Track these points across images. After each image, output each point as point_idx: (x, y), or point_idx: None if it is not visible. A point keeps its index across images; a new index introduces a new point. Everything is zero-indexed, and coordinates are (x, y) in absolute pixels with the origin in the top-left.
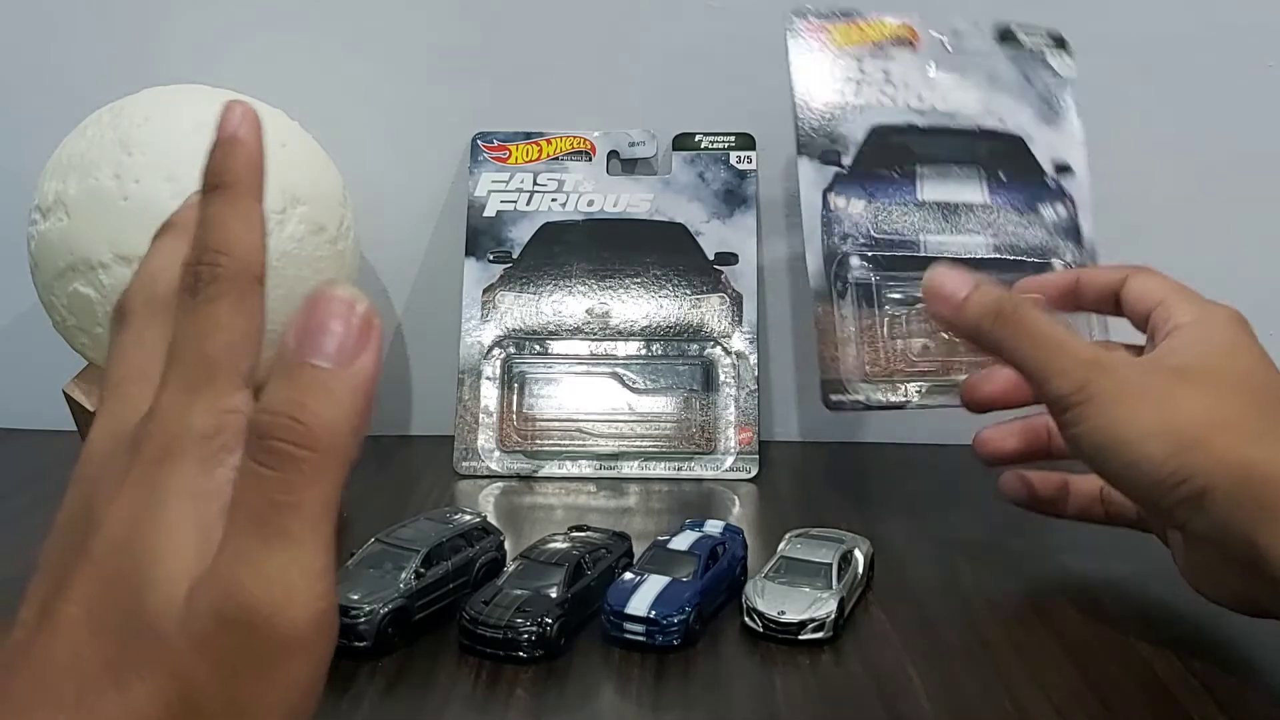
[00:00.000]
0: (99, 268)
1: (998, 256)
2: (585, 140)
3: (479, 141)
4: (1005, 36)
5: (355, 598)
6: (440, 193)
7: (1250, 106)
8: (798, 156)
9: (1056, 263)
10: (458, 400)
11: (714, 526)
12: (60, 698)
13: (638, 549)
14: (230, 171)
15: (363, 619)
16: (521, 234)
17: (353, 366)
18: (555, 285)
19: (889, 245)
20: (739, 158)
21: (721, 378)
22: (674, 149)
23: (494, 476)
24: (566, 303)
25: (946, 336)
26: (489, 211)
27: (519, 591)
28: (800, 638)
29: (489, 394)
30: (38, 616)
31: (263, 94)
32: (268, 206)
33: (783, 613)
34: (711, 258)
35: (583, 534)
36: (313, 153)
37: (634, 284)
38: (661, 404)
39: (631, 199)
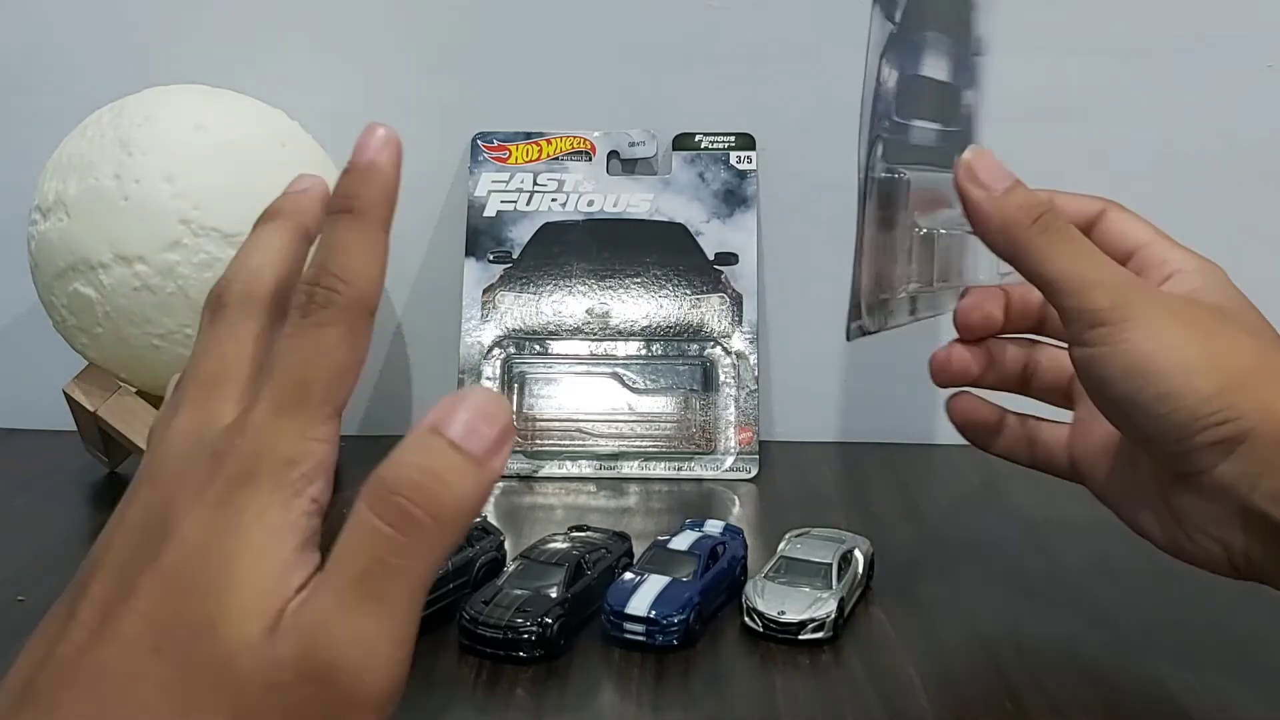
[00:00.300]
0: (99, 268)
1: None
2: (585, 140)
3: (479, 141)
4: None
5: None
6: (440, 193)
7: (1250, 106)
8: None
9: None
10: None
11: (714, 526)
12: (113, 715)
13: (638, 549)
14: (363, 199)
15: None
16: (521, 234)
17: (489, 465)
18: (555, 285)
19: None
20: (739, 158)
21: (721, 378)
22: (674, 149)
23: None
24: (566, 303)
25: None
26: (489, 211)
27: (519, 591)
28: (800, 638)
29: None
30: (98, 619)
31: (263, 94)
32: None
33: (783, 613)
34: (711, 258)
35: (583, 534)
36: (313, 153)
37: (634, 284)
38: (661, 404)
39: (631, 199)
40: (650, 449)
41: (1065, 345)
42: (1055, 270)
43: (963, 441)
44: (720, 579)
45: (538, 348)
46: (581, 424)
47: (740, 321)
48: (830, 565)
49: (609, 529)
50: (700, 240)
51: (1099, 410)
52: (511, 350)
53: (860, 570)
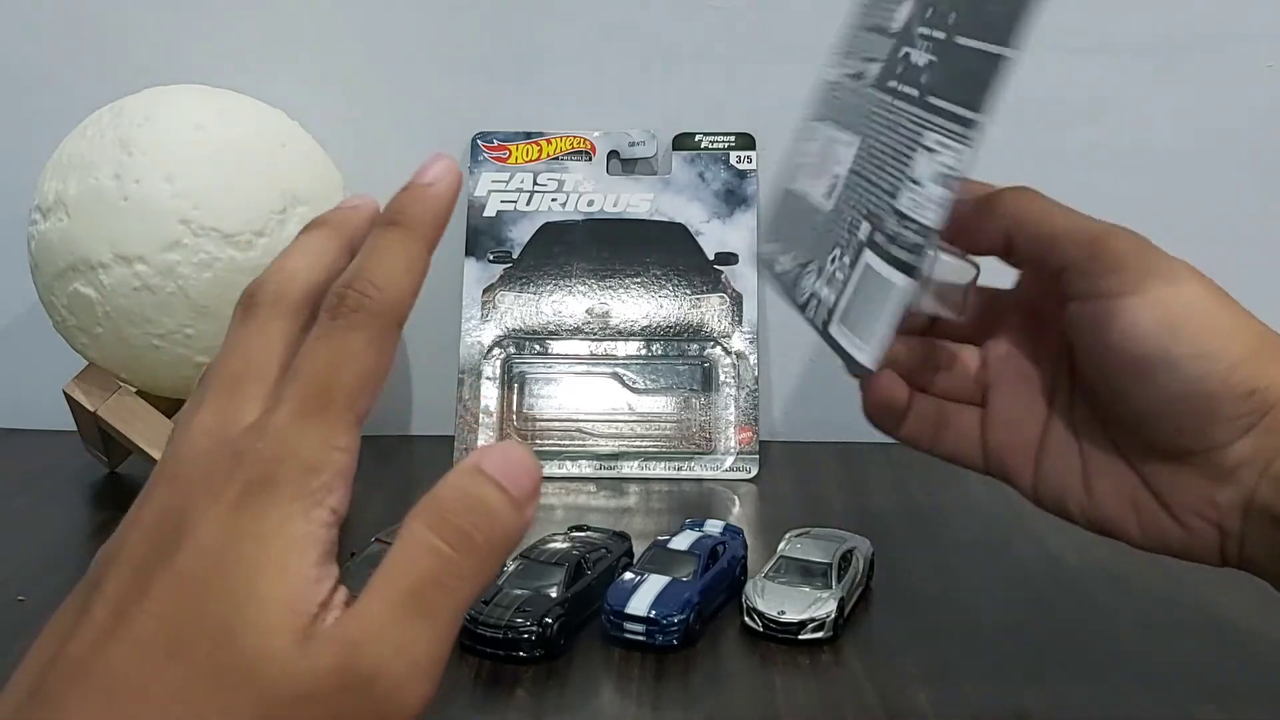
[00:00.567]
0: (99, 268)
1: None
2: (585, 140)
3: (479, 141)
4: None
5: None
6: None
7: (1250, 106)
8: None
9: None
10: (458, 400)
11: (714, 526)
12: (123, 717)
13: (638, 549)
14: (411, 215)
15: None
16: (521, 234)
17: (526, 509)
18: (555, 285)
19: None
20: (739, 158)
21: (721, 378)
22: (674, 149)
23: None
24: (566, 303)
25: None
26: (489, 211)
27: (519, 591)
28: (800, 638)
29: (489, 394)
30: (112, 619)
31: (263, 94)
32: (268, 206)
33: (783, 613)
34: (711, 258)
35: (583, 534)
36: (313, 153)
37: (634, 284)
38: (661, 404)
39: (631, 199)
40: (650, 449)
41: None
42: (1062, 224)
43: None
44: (720, 579)
45: (538, 348)
46: (581, 424)
47: (740, 321)
48: (830, 565)
49: (609, 529)
50: (700, 240)
51: (1109, 373)
52: (511, 350)
53: (860, 570)
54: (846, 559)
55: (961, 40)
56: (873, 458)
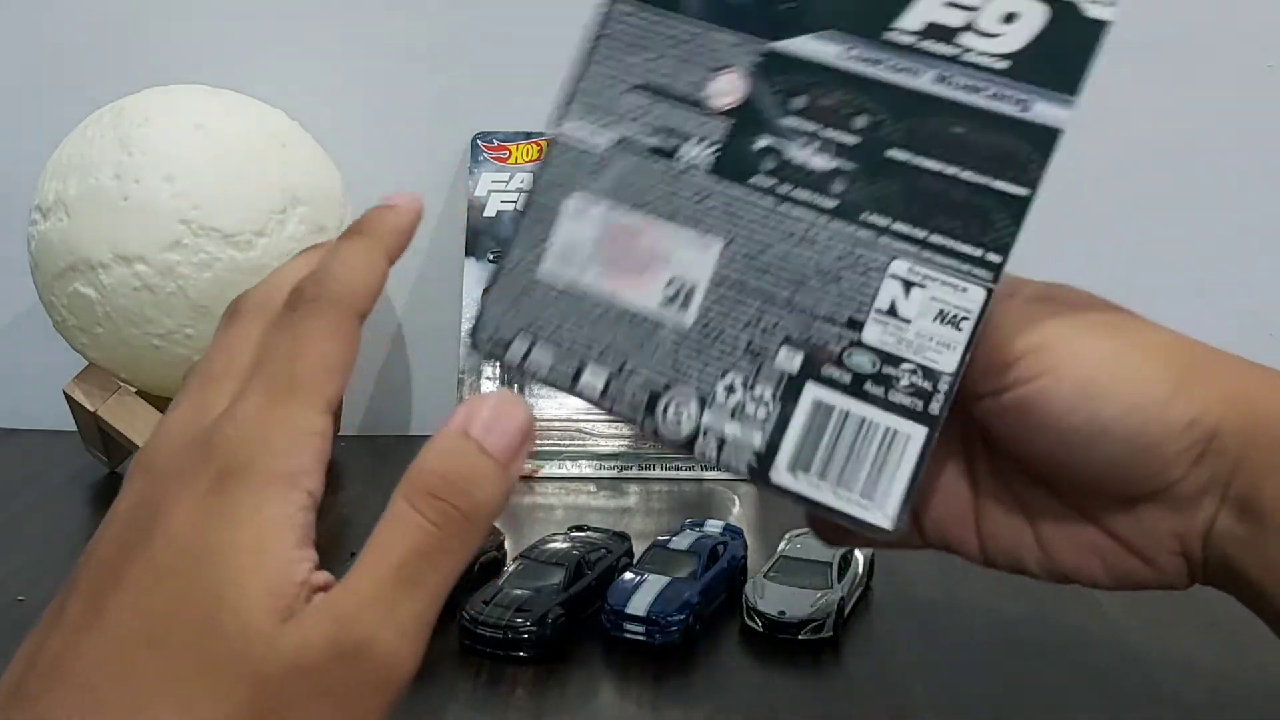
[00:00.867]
0: (99, 268)
1: None
2: None
3: (479, 141)
4: None
5: None
6: (440, 193)
7: (1250, 106)
8: None
9: None
10: (458, 400)
11: (714, 526)
12: (109, 711)
13: (638, 549)
14: (374, 228)
15: None
16: None
17: (512, 467)
18: None
19: None
20: None
21: None
22: None
23: None
24: None
25: None
26: (489, 212)
27: (519, 591)
28: (800, 638)
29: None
30: (87, 613)
31: (263, 94)
32: (268, 206)
33: (783, 612)
34: None
35: (583, 534)
36: (313, 153)
37: None
38: None
39: None
40: (650, 449)
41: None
42: None
43: None
44: (720, 579)
45: None
46: (581, 424)
47: None
48: (830, 565)
49: (609, 529)
50: None
51: (1041, 453)
52: None
53: (860, 570)
54: (846, 559)
55: (913, 159)
56: None
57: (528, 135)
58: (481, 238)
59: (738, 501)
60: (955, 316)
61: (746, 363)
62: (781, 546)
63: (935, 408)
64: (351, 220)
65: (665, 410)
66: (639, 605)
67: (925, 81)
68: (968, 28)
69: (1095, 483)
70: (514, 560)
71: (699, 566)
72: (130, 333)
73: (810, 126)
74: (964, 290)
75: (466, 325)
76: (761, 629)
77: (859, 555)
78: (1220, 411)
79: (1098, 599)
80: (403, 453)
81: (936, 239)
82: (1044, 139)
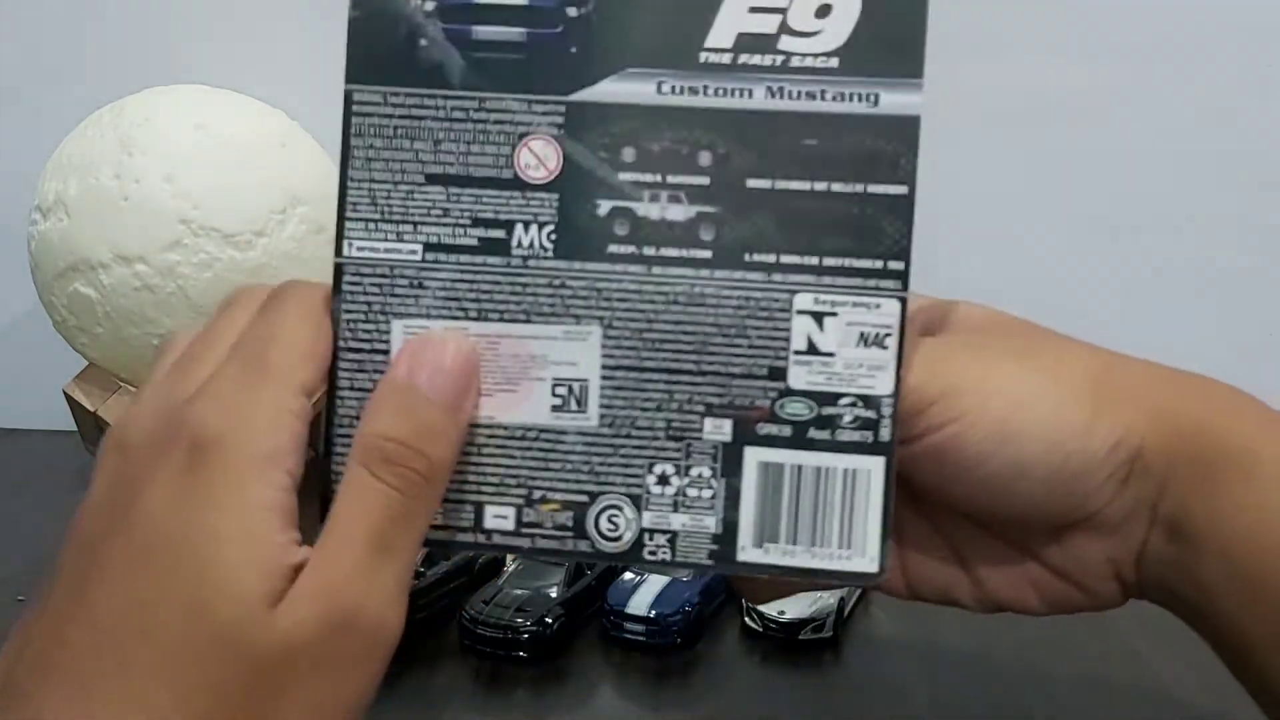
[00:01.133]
0: (99, 268)
1: None
2: None
3: None
4: None
5: None
6: None
7: (1251, 106)
8: None
9: None
10: None
11: None
12: (103, 704)
13: None
14: None
15: None
16: None
17: (462, 410)
18: None
19: None
20: None
21: None
22: None
23: None
24: None
25: None
26: None
27: (519, 591)
28: (800, 638)
29: None
30: (70, 603)
31: (263, 94)
32: (268, 206)
33: (783, 613)
34: None
35: None
36: (313, 153)
37: None
38: None
39: None
40: None
41: None
42: None
43: None
44: (720, 579)
45: None
46: None
47: None
48: None
49: None
50: None
51: (964, 496)
52: None
53: None
54: None
55: (776, 184)
56: None
57: None
58: None
59: None
60: (877, 336)
61: (672, 447)
62: None
63: (885, 434)
64: None
65: (596, 525)
66: (639, 605)
67: (759, 99)
68: (783, 31)
69: (1021, 519)
70: (514, 560)
71: None
72: (130, 333)
73: (650, 177)
74: (877, 306)
75: None
76: (761, 629)
77: None
78: (1143, 429)
79: None
80: None
81: (831, 261)
82: (905, 130)
